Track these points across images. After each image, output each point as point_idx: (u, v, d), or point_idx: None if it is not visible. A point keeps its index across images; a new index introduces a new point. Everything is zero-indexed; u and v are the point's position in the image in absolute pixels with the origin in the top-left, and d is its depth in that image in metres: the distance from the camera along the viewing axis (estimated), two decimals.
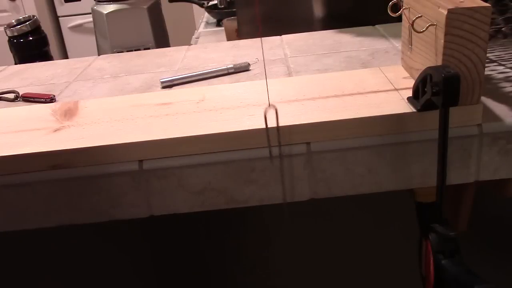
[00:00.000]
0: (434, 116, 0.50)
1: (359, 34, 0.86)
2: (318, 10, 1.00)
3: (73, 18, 3.23)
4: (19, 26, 1.11)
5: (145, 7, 1.37)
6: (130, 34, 1.38)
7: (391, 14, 0.57)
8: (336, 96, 0.57)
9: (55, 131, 0.56)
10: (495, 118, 0.53)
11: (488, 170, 0.54)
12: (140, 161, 0.52)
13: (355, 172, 0.53)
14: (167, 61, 0.83)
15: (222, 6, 1.64)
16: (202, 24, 1.72)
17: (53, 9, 3.23)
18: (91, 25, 1.48)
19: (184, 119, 0.55)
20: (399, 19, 0.59)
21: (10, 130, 0.58)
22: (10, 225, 0.55)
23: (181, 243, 0.82)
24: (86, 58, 0.90)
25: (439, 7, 0.49)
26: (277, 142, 0.52)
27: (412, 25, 0.52)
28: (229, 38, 1.35)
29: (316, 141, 0.52)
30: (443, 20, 0.48)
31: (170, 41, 1.61)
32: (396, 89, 0.57)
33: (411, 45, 0.55)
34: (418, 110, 0.51)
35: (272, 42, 0.88)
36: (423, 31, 0.51)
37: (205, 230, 0.81)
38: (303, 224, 0.80)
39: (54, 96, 0.71)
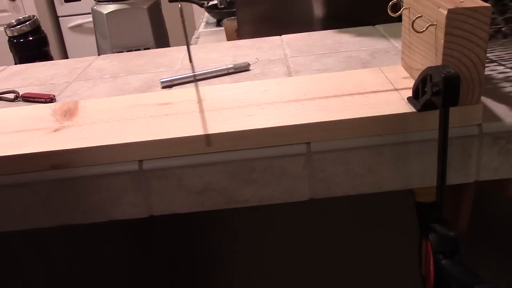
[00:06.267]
0: (434, 116, 0.50)
1: (359, 34, 0.86)
2: (318, 10, 1.00)
3: (73, 18, 3.23)
4: (19, 26, 1.11)
5: (145, 7, 1.37)
6: (130, 34, 1.38)
7: (391, 14, 0.57)
8: (336, 96, 0.57)
9: (55, 131, 0.56)
10: (495, 118, 0.53)
11: (488, 170, 0.54)
12: (140, 161, 0.52)
13: (355, 172, 0.53)
14: (167, 61, 0.83)
15: (222, 6, 1.64)
16: (202, 24, 1.72)
17: (53, 9, 3.23)
18: (91, 25, 1.48)
19: (184, 119, 0.55)
20: (399, 19, 0.59)
21: (10, 130, 0.58)
22: (10, 225, 0.55)
23: (176, 243, 0.82)
24: (86, 58, 0.90)
25: (439, 7, 0.49)
26: (276, 142, 0.52)
27: (412, 25, 0.52)
28: (229, 38, 1.35)
29: (316, 141, 0.52)
30: (443, 20, 0.48)
31: (170, 41, 1.61)
32: (396, 89, 0.57)
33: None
34: (418, 110, 0.51)
35: (272, 42, 0.88)
36: (423, 31, 0.51)
37: (201, 230, 0.81)
38: (303, 224, 0.80)
39: (54, 96, 0.71)
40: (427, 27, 0.50)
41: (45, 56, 1.14)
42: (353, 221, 0.80)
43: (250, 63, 0.76)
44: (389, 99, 0.55)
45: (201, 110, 0.57)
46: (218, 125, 0.53)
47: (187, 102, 0.60)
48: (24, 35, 1.12)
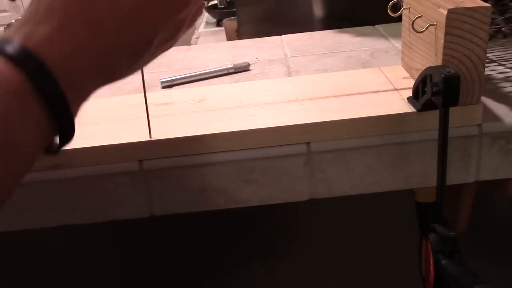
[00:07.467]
0: (434, 116, 0.50)
1: (359, 34, 0.86)
2: (318, 10, 1.00)
3: None
4: None
5: None
6: None
7: (391, 14, 0.57)
8: (336, 96, 0.57)
9: None
10: (495, 118, 0.53)
11: (488, 170, 0.54)
12: (140, 161, 0.52)
13: (355, 172, 0.53)
14: (167, 61, 0.83)
15: (222, 6, 1.64)
16: (202, 24, 1.72)
17: None
18: None
19: (184, 119, 0.55)
20: (399, 19, 0.59)
21: None
22: (10, 225, 0.55)
23: (175, 244, 0.82)
24: None
25: (439, 7, 0.49)
26: (276, 142, 0.52)
27: (412, 25, 0.52)
28: (229, 38, 1.35)
29: (316, 141, 0.52)
30: (443, 20, 0.48)
31: None
32: (396, 89, 0.57)
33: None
34: (418, 110, 0.51)
35: (272, 42, 0.88)
36: (423, 31, 0.51)
37: (202, 230, 0.81)
38: (302, 224, 0.80)
39: None
40: (427, 27, 0.50)
41: None
42: (353, 221, 0.80)
43: (250, 63, 0.76)
44: (389, 99, 0.55)
45: (201, 110, 0.57)
46: (218, 125, 0.53)
47: (187, 102, 0.60)
48: None
